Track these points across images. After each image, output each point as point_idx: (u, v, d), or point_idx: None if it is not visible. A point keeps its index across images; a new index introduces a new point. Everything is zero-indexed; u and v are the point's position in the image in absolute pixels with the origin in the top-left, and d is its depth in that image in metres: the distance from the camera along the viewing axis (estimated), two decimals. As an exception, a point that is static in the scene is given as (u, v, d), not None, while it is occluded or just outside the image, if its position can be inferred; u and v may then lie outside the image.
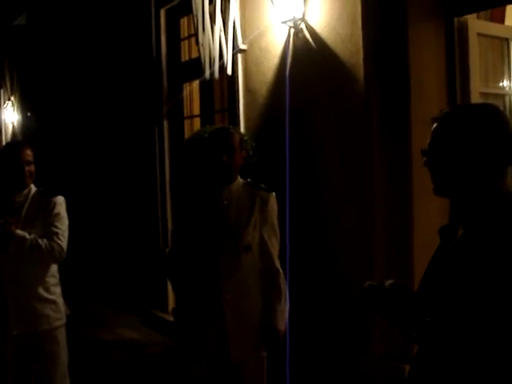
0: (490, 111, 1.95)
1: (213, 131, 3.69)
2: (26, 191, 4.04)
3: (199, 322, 3.53)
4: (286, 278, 3.66)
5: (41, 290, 4.01)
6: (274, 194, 3.56)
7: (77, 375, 4.36)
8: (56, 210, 4.01)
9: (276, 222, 3.56)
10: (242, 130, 5.61)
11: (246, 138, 5.31)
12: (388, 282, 1.98)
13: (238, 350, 3.46)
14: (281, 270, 3.57)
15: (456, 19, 4.51)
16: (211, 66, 5.74)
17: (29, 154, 4.00)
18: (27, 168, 3.97)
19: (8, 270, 3.91)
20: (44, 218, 3.97)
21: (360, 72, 4.46)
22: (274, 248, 3.55)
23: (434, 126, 1.99)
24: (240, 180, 3.55)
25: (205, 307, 3.49)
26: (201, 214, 3.49)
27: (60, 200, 4.08)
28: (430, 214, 4.18)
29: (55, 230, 3.95)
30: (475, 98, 4.47)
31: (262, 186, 3.58)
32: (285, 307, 3.56)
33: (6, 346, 3.97)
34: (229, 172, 3.45)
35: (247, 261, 3.46)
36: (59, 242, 3.92)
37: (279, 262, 3.56)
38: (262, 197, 3.50)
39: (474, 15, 4.64)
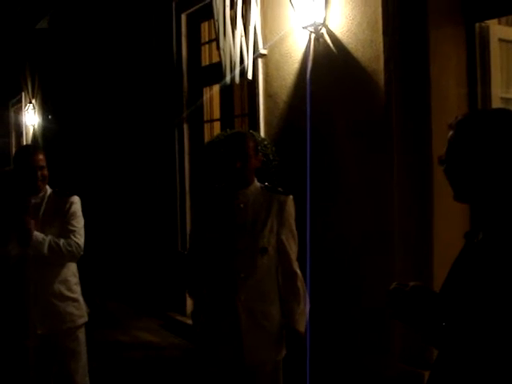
0: (504, 116, 1.95)
1: (227, 136, 3.78)
2: (41, 193, 4.11)
3: (215, 323, 3.58)
4: (306, 281, 3.69)
5: (63, 289, 4.09)
6: (291, 197, 3.59)
7: (94, 376, 4.41)
8: (72, 209, 4.12)
9: (294, 225, 3.59)
10: (262, 134, 5.64)
11: (266, 142, 5.34)
12: (411, 284, 1.99)
13: (252, 353, 3.49)
14: (299, 272, 3.59)
15: (477, 24, 4.49)
16: (232, 70, 5.77)
17: (41, 158, 4.07)
18: (40, 172, 4.04)
19: (30, 270, 3.98)
20: (61, 217, 4.07)
21: (380, 77, 4.47)
22: (292, 251, 3.58)
23: (450, 133, 2.00)
24: (257, 184, 3.60)
25: (220, 309, 3.54)
26: (217, 217, 3.55)
27: (75, 199, 4.18)
28: (450, 220, 4.18)
29: (72, 228, 4.06)
30: (496, 104, 4.45)
31: (280, 189, 3.62)
32: (304, 309, 3.57)
33: (27, 345, 4.03)
34: (243, 177, 3.51)
35: (263, 263, 3.50)
36: (76, 239, 4.03)
37: (298, 265, 3.59)
38: (279, 200, 3.54)
39: (495, 20, 4.62)
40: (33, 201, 4.08)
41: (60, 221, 4.07)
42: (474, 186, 1.93)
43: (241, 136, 3.62)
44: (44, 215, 4.07)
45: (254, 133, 5.45)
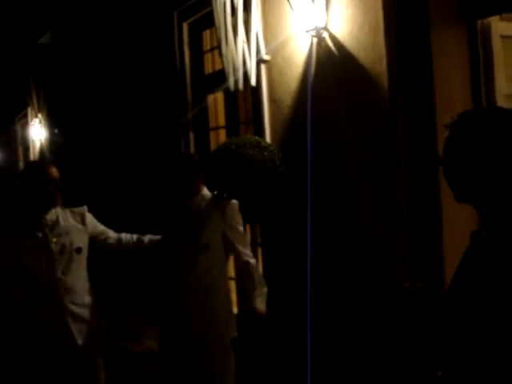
0: (498, 115, 1.94)
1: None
2: (57, 209, 4.14)
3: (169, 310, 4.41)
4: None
5: (87, 296, 4.16)
6: (234, 201, 4.35)
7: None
8: (92, 220, 4.38)
9: (239, 223, 4.34)
10: (268, 139, 5.63)
11: (272, 148, 5.35)
12: (417, 285, 1.99)
13: (200, 337, 4.19)
14: (251, 261, 4.30)
15: (479, 22, 4.49)
16: (235, 77, 5.78)
17: (56, 171, 4.10)
18: (55, 187, 4.06)
19: (58, 278, 4.03)
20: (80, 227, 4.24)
21: (384, 80, 4.46)
22: (241, 244, 4.30)
23: (446, 133, 2.00)
24: (206, 193, 4.40)
25: (172, 299, 4.39)
26: (173, 224, 4.46)
27: (86, 210, 4.36)
28: (458, 218, 4.17)
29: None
30: (501, 101, 4.44)
31: (224, 195, 4.48)
32: (261, 291, 4.23)
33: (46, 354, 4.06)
34: (190, 189, 4.34)
35: (207, 257, 4.24)
36: None
37: (250, 255, 4.33)
38: (222, 205, 4.30)
39: (497, 17, 4.62)
40: (47, 217, 4.10)
41: (78, 231, 4.22)
42: (471, 186, 1.93)
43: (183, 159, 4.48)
44: (63, 228, 4.13)
45: (261, 139, 5.47)
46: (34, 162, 4.12)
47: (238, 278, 4.86)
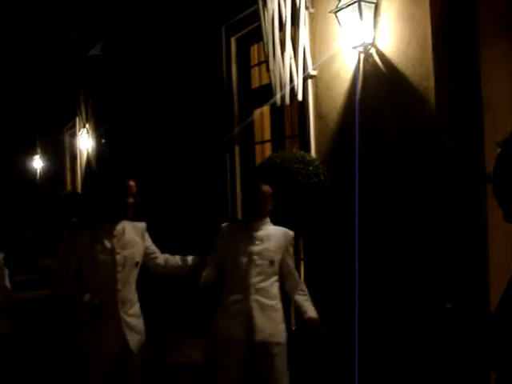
0: None
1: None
2: (123, 221, 4.20)
3: None
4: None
5: (137, 306, 4.22)
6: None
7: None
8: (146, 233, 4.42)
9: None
10: (314, 154, 5.65)
11: (317, 162, 5.36)
12: (464, 306, 1.97)
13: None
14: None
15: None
16: (282, 91, 5.81)
17: (135, 185, 4.18)
18: (133, 201, 4.13)
19: (118, 289, 4.10)
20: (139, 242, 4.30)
21: (431, 96, 4.44)
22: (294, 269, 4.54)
23: (498, 151, 1.98)
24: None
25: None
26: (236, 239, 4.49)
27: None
28: (505, 238, 4.12)
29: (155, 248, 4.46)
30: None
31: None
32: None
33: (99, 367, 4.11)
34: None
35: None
36: None
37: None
38: (283, 231, 4.48)
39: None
40: (117, 228, 4.17)
41: (136, 244, 4.26)
42: None
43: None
44: (127, 239, 4.20)
45: (306, 153, 5.48)
46: (114, 172, 4.10)
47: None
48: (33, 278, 12.43)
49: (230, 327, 4.27)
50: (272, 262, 4.31)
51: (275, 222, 4.42)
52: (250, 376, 4.38)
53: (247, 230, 4.38)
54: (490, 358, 1.93)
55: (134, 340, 4.11)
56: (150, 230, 4.40)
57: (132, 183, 4.13)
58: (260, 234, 4.35)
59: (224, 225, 4.60)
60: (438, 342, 4.29)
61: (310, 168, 5.26)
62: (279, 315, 4.34)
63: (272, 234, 4.37)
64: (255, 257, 4.28)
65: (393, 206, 4.85)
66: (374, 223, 5.00)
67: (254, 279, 4.27)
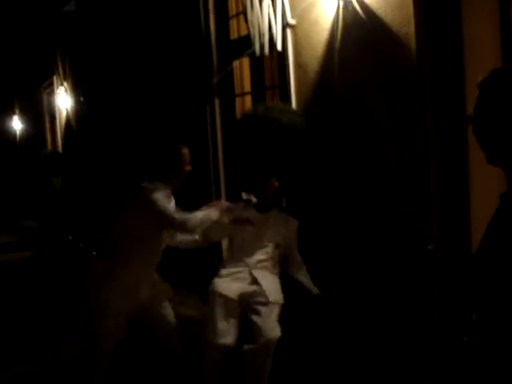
0: None
1: None
2: None
3: None
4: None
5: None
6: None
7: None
8: None
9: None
10: (294, 105, 5.61)
11: (298, 112, 5.33)
12: (445, 246, 1.97)
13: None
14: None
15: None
16: (261, 42, 5.74)
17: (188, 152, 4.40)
18: (189, 169, 4.39)
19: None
20: None
21: (412, 41, 4.39)
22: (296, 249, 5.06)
23: (477, 92, 1.97)
24: None
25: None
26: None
27: None
28: (486, 179, 4.13)
29: None
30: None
31: None
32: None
33: None
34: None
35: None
36: None
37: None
38: (289, 219, 5.07)
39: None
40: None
41: None
42: (503, 146, 1.89)
43: None
44: None
45: (286, 104, 5.45)
46: (171, 139, 4.49)
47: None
48: (15, 240, 12.30)
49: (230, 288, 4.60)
50: (277, 246, 4.80)
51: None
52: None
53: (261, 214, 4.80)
54: (471, 299, 1.94)
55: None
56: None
57: (186, 151, 4.22)
58: (270, 219, 4.82)
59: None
60: (422, 287, 4.34)
61: (291, 117, 5.25)
62: (276, 282, 4.76)
63: (281, 220, 4.90)
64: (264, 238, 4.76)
65: (373, 150, 4.84)
66: (353, 168, 5.01)
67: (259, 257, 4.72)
